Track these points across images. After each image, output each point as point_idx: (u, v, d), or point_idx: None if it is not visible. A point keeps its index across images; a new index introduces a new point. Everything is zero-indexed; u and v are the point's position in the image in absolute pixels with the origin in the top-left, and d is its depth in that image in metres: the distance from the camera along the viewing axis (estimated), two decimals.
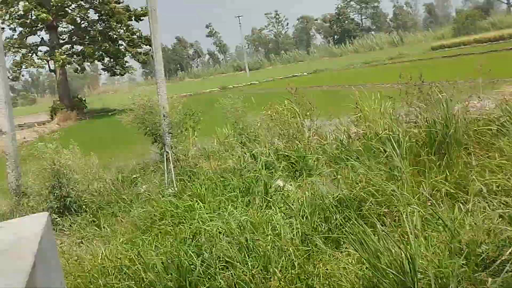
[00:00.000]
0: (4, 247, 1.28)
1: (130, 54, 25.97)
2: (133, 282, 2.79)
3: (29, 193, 5.47)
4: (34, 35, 25.04)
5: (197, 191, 4.42)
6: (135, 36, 25.55)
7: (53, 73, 27.40)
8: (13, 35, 24.48)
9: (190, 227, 3.53)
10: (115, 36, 25.45)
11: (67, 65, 25.29)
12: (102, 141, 10.76)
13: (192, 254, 2.93)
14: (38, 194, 5.37)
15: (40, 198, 5.24)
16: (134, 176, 5.81)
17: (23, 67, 24.96)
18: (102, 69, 28.30)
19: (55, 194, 4.95)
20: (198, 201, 4.08)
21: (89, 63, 29.05)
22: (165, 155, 5.53)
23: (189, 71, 66.74)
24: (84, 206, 4.93)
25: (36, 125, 20.87)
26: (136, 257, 3.01)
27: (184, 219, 3.84)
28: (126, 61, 26.69)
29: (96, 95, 48.22)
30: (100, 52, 25.48)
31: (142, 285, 2.79)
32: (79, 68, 27.25)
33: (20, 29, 24.34)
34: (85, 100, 26.77)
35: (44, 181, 5.13)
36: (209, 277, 2.79)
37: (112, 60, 26.33)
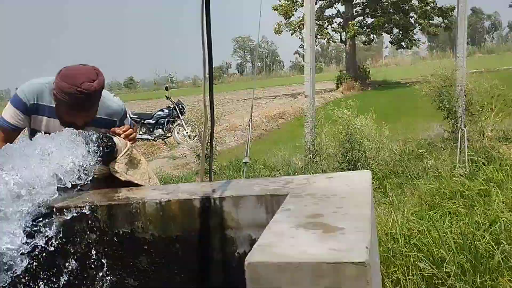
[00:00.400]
0: (342, 194, 1.44)
1: (420, 27, 25.25)
2: (422, 254, 2.80)
3: (321, 153, 6.05)
4: (331, 8, 26.84)
5: (493, 176, 4.07)
6: (428, 7, 24.57)
7: (342, 44, 29.05)
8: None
9: (485, 213, 3.29)
10: (407, 7, 25.05)
11: (357, 36, 26.38)
12: (384, 112, 10.91)
13: (490, 241, 2.74)
14: (329, 155, 5.89)
15: (331, 159, 5.73)
16: (421, 150, 5.73)
17: (318, 37, 27.15)
18: (389, 41, 28.42)
19: (347, 157, 5.32)
20: (496, 186, 3.76)
21: (376, 35, 29.57)
22: (459, 133, 5.25)
23: (481, 46, 60.44)
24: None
25: (323, 92, 22.54)
26: (426, 230, 3.00)
27: (477, 203, 3.61)
28: (414, 34, 26.11)
29: (377, 68, 49.06)
30: (390, 24, 25.57)
31: (431, 259, 2.77)
32: (367, 40, 28.08)
33: (320, 2, 26.40)
34: (369, 72, 27.55)
35: (338, 143, 5.56)
36: (508, 269, 2.56)
37: (400, 32, 26.15)
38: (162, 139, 11.97)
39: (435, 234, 2.98)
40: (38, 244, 1.61)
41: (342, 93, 22.35)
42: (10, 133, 2.15)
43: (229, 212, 1.60)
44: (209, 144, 1.98)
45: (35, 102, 2.12)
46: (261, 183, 1.70)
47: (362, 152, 5.30)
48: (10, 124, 2.12)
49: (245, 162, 4.73)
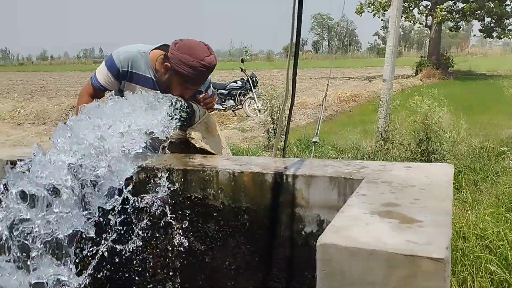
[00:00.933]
0: (420, 186, 1.39)
1: None
2: (495, 257, 2.66)
3: (394, 140, 5.85)
4: None
5: None
6: None
7: (426, 29, 27.62)
8: None
9: None
10: None
11: (444, 22, 24.94)
12: (466, 104, 10.34)
13: None
14: (401, 144, 5.68)
15: (403, 148, 5.54)
16: (503, 148, 5.37)
17: (402, 19, 25.92)
18: (479, 29, 26.62)
19: (421, 147, 5.12)
20: None
21: (465, 22, 27.80)
22: None
23: None
24: None
25: (400, 78, 21.71)
26: (502, 233, 2.84)
27: None
28: (509, 24, 24.25)
29: (462, 56, 46.32)
30: (482, 11, 23.90)
31: (504, 263, 2.62)
32: (454, 26, 26.49)
33: None
34: (452, 60, 26.09)
35: (413, 132, 5.35)
36: None
37: (493, 20, 24.40)
38: (233, 111, 12.14)
39: (511, 237, 2.81)
40: (117, 199, 1.70)
41: (421, 80, 21.40)
42: (98, 92, 2.26)
43: (300, 191, 1.60)
44: (286, 119, 1.97)
45: (128, 69, 2.19)
46: (335, 165, 1.67)
47: (438, 144, 5.06)
48: (100, 84, 2.23)
49: (314, 142, 4.68)
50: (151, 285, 1.80)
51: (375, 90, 15.50)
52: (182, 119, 1.98)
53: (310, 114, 11.21)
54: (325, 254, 0.98)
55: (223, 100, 12.02)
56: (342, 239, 0.99)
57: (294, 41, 1.69)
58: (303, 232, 1.61)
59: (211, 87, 2.45)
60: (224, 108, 12.04)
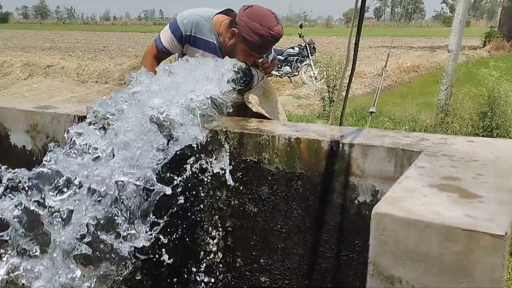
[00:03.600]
0: (484, 161, 1.34)
1: None
2: None
3: (455, 114, 5.62)
4: None
5: None
6: None
7: None
8: None
9: None
10: None
11: None
12: None
13: None
14: (463, 118, 5.45)
15: (464, 122, 5.32)
16: None
17: None
18: None
19: (485, 122, 4.90)
20: None
21: None
22: None
23: None
24: None
25: (467, 49, 20.61)
26: None
27: None
28: None
29: None
30: None
31: None
32: None
33: None
34: None
35: (477, 106, 5.12)
36: None
37: None
38: (289, 77, 12.04)
39: None
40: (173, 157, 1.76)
41: (489, 52, 20.20)
42: (161, 54, 2.31)
43: (356, 159, 1.59)
44: (345, 87, 1.94)
45: (191, 33, 2.21)
46: (393, 136, 1.64)
47: (502, 120, 4.82)
48: (163, 46, 2.27)
49: (371, 112, 4.59)
50: (204, 242, 1.88)
51: (438, 61, 14.83)
52: (241, 83, 2.00)
53: (367, 83, 10.93)
54: (379, 223, 0.98)
55: (279, 66, 11.93)
56: (398, 209, 0.98)
57: (358, 6, 1.64)
58: (356, 201, 1.61)
59: (272, 52, 2.44)
60: (280, 75, 11.97)
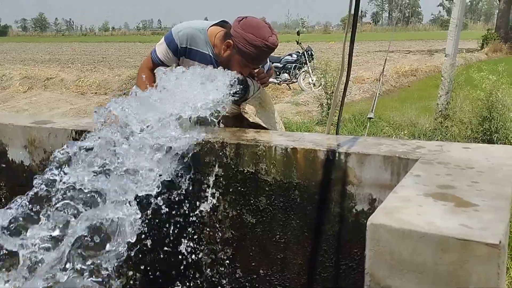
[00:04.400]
0: (479, 168, 1.34)
1: None
2: None
3: (454, 118, 5.62)
4: None
5: None
6: None
7: (496, 0, 25.93)
8: None
9: None
10: None
11: None
12: None
13: None
14: (462, 122, 5.46)
15: (463, 126, 5.32)
16: None
17: None
18: None
19: (484, 126, 4.90)
20: None
21: None
22: None
23: None
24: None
25: (464, 52, 20.65)
26: None
27: None
28: None
29: None
30: None
31: None
32: None
33: None
34: None
35: (476, 110, 5.12)
36: None
37: None
38: (287, 84, 12.07)
39: None
40: (170, 167, 1.76)
41: (486, 54, 20.26)
42: (156, 67, 2.31)
43: (353, 168, 1.59)
44: (341, 95, 1.94)
45: (187, 45, 2.22)
46: (389, 144, 1.65)
47: (501, 123, 4.81)
48: (159, 59, 2.28)
49: (369, 118, 4.59)
50: (203, 253, 1.87)
51: (436, 64, 14.86)
52: (237, 93, 2.00)
53: (366, 89, 10.94)
54: (375, 233, 0.98)
55: (277, 73, 11.96)
56: (393, 220, 0.98)
57: (352, 12, 1.65)
58: (353, 210, 1.61)
59: (268, 62, 2.45)
60: (278, 82, 11.99)
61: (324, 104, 7.50)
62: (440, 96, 6.08)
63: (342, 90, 1.92)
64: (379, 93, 6.13)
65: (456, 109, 5.72)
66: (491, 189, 1.16)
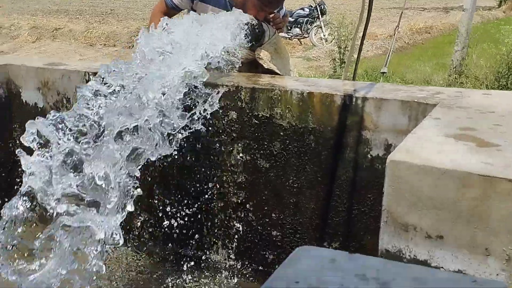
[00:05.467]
0: (501, 112, 1.32)
1: None
2: None
3: (468, 74, 5.52)
4: None
5: None
6: None
7: None
8: None
9: None
10: None
11: None
12: None
13: None
14: (477, 78, 5.36)
15: (478, 82, 5.23)
16: None
17: None
18: None
19: (500, 82, 4.80)
20: None
21: None
22: None
23: None
24: None
25: (481, 9, 20.04)
26: None
27: None
28: None
29: None
30: None
31: None
32: None
33: None
34: None
35: (493, 65, 5.01)
36: None
37: None
38: (298, 39, 11.83)
39: None
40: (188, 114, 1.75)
41: (504, 12, 19.63)
42: (170, 10, 2.26)
43: (369, 113, 1.57)
44: (359, 42, 1.90)
45: None
46: (407, 90, 1.62)
47: None
48: (173, 2, 2.22)
49: (383, 72, 4.50)
50: (217, 197, 1.89)
51: (452, 22, 14.46)
52: (252, 38, 1.96)
53: (379, 45, 10.71)
54: (395, 170, 0.97)
55: (288, 28, 11.70)
56: (414, 157, 0.98)
57: None
58: (369, 155, 1.60)
59: (284, 7, 2.38)
60: (289, 36, 11.75)
61: (336, 59, 7.37)
62: (456, 51, 5.94)
63: (361, 35, 1.87)
64: (392, 50, 5.99)
65: (471, 66, 5.61)
66: None
